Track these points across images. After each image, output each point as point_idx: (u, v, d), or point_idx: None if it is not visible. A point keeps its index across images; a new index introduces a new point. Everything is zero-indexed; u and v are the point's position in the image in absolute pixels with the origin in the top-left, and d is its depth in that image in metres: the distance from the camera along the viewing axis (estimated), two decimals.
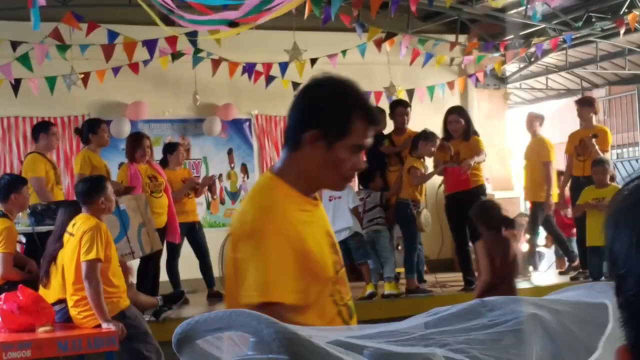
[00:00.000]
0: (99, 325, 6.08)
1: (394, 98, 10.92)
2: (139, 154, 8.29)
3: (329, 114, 2.32)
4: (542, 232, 14.68)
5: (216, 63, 10.04)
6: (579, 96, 14.74)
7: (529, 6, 8.31)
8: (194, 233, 8.84)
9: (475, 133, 8.97)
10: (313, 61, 10.24)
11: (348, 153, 2.32)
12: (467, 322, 1.94)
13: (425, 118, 11.47)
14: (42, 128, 8.22)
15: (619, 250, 0.79)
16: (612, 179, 8.89)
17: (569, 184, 9.47)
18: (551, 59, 13.46)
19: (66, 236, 6.25)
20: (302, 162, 2.35)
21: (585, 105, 9.28)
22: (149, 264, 8.18)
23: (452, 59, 11.63)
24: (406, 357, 1.67)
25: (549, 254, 13.78)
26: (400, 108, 9.39)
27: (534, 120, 10.08)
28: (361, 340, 1.72)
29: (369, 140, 2.38)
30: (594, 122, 9.32)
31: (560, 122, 14.96)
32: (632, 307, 0.78)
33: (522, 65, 13.36)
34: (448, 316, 2.03)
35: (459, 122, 8.77)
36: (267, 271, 2.23)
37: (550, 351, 1.85)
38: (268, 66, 10.31)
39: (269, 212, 2.31)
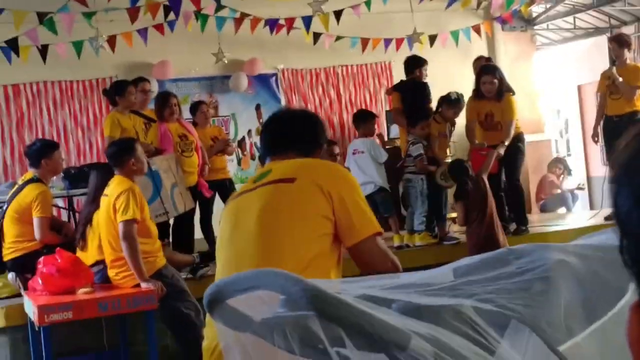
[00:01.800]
0: (138, 285, 6.18)
1: (414, 43, 10.77)
2: (167, 112, 8.32)
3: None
4: (576, 174, 14.63)
5: (239, 20, 10.00)
6: (608, 34, 14.52)
7: None
8: (225, 190, 8.87)
9: (509, 89, 8.81)
10: (337, 14, 10.15)
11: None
12: (495, 270, 1.96)
13: (451, 66, 11.42)
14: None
15: (622, 207, 0.79)
16: None
17: (601, 123, 9.32)
18: None
19: (102, 198, 6.33)
20: None
21: (622, 44, 9.09)
22: (183, 223, 8.26)
23: (479, 3, 11.45)
24: (434, 309, 1.69)
25: (582, 196, 13.73)
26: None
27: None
28: (389, 293, 1.74)
29: None
30: (628, 59, 9.15)
31: (590, 62, 14.76)
32: (636, 267, 0.78)
33: (548, 6, 13.14)
34: (477, 264, 2.05)
35: (492, 83, 8.55)
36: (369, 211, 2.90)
37: (579, 297, 1.86)
38: (291, 20, 10.26)
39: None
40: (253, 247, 2.80)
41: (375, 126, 9.10)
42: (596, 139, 9.33)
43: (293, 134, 3.13)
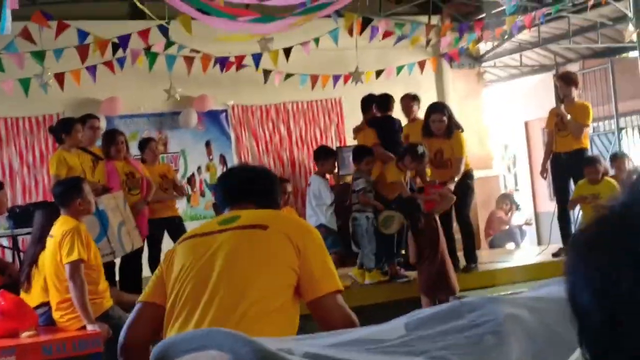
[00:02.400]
0: (83, 327, 6.05)
1: (361, 82, 10.84)
2: (114, 150, 8.25)
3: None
4: (524, 209, 14.80)
5: (189, 58, 9.96)
6: (554, 71, 14.79)
7: None
8: (174, 227, 8.80)
9: (458, 127, 8.89)
10: (287, 51, 10.18)
11: None
12: (446, 324, 1.94)
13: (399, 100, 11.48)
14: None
15: (579, 300, 0.76)
16: (605, 173, 8.88)
17: (550, 159, 9.42)
18: (524, 35, 13.47)
19: (48, 239, 6.21)
20: None
21: (569, 82, 9.24)
22: (130, 262, 8.14)
23: (428, 41, 11.60)
24: None
25: (530, 231, 13.89)
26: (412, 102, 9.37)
27: None
28: (339, 351, 1.71)
29: None
30: (575, 97, 9.29)
31: (536, 98, 15.01)
32: None
33: (495, 43, 13.36)
34: (428, 317, 2.03)
35: (442, 121, 8.65)
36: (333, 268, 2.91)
37: (530, 351, 1.85)
38: (240, 58, 10.26)
39: None
40: (217, 288, 2.76)
41: (335, 164, 9.16)
42: (544, 175, 9.45)
43: (254, 187, 3.18)
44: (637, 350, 0.71)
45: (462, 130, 8.92)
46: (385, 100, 9.43)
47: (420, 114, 9.49)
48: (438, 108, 8.88)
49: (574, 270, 0.76)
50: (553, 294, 2.02)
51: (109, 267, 7.43)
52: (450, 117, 8.76)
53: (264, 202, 3.13)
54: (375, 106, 9.45)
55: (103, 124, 10.13)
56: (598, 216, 0.79)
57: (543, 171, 9.48)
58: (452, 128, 8.71)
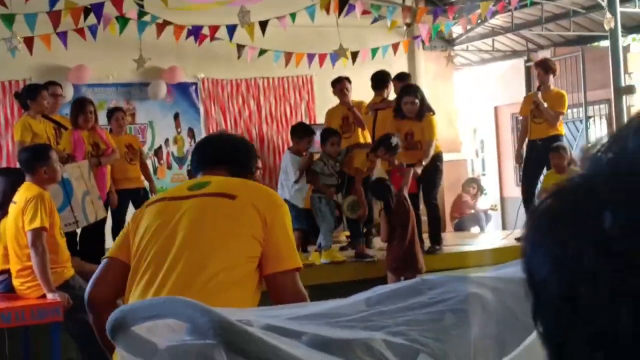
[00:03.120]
0: (43, 296, 5.99)
1: (338, 58, 10.83)
2: (82, 119, 8.14)
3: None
4: (490, 194, 14.89)
5: (161, 26, 9.86)
6: (525, 57, 14.85)
7: None
8: (138, 199, 8.73)
9: (429, 109, 8.90)
10: (263, 25, 10.11)
11: None
12: (407, 301, 1.94)
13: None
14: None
15: (536, 274, 0.74)
16: (571, 162, 8.91)
17: (525, 146, 9.46)
18: (497, 20, 13.50)
19: (10, 205, 6.12)
20: None
21: (547, 69, 9.27)
22: (92, 233, 8.07)
23: (407, 24, 11.60)
24: (345, 344, 1.65)
25: (496, 216, 13.98)
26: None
27: None
28: (300, 324, 1.70)
29: None
30: (552, 85, 9.34)
31: (507, 83, 15.07)
32: (553, 340, 0.74)
33: (468, 27, 13.37)
34: (389, 293, 2.02)
35: (414, 103, 8.66)
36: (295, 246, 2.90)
37: (491, 331, 1.85)
38: (214, 29, 10.17)
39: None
40: (180, 253, 2.75)
41: (309, 143, 8.95)
42: (520, 161, 9.51)
43: (228, 153, 3.18)
44: (593, 325, 0.69)
45: (434, 114, 8.94)
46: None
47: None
48: (410, 91, 8.88)
49: (533, 243, 0.74)
50: (514, 274, 2.02)
51: (71, 236, 7.36)
52: (423, 99, 8.78)
53: (237, 169, 3.12)
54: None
55: (70, 92, 10.02)
56: (558, 189, 0.76)
57: (518, 157, 9.55)
58: (424, 111, 8.73)
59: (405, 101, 8.70)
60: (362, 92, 10.29)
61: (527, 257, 0.74)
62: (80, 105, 8.27)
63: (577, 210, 0.72)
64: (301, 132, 9.13)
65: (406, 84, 9.42)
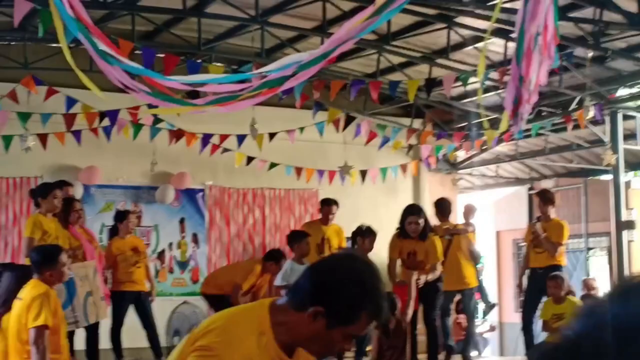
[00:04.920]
0: None
1: (349, 176, 11.11)
2: (74, 217, 8.25)
3: (340, 302, 2.31)
4: (489, 319, 14.83)
5: (174, 133, 10.11)
6: (528, 185, 15.06)
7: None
8: (140, 302, 8.76)
9: (432, 230, 9.04)
10: (271, 136, 10.37)
11: (342, 337, 2.35)
12: None
13: (377, 199, 11.69)
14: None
15: None
16: (569, 292, 8.96)
17: (526, 275, 9.56)
18: (502, 147, 13.78)
19: (15, 301, 6.15)
20: (297, 323, 2.33)
21: (546, 201, 9.40)
22: (91, 333, 8.07)
23: (410, 146, 11.87)
24: None
25: (493, 341, 13.88)
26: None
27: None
28: None
29: (366, 331, 2.43)
30: (552, 215, 9.44)
31: (509, 210, 15.24)
32: None
33: (473, 152, 13.64)
34: None
35: (418, 223, 8.76)
36: None
37: None
38: (224, 137, 10.44)
39: (236, 345, 2.30)
40: None
41: (308, 245, 9.10)
42: (521, 289, 9.57)
43: None
44: None
45: (435, 234, 9.05)
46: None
47: (390, 213, 9.67)
48: (415, 211, 8.99)
49: None
50: None
51: (70, 336, 7.35)
52: (426, 220, 8.88)
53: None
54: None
55: (80, 192, 10.17)
56: (554, 344, 0.86)
57: (520, 285, 9.61)
58: (427, 231, 8.82)
59: (409, 221, 8.79)
60: (366, 207, 10.47)
61: None
62: (70, 204, 8.37)
63: None
64: (298, 236, 9.20)
65: (410, 204, 9.57)
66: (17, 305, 6.07)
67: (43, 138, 9.44)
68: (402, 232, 8.85)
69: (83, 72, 9.41)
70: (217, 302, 9.15)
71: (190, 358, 2.32)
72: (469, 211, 10.70)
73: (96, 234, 9.32)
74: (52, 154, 9.78)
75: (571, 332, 0.85)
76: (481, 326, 13.74)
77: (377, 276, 2.37)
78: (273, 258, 9.43)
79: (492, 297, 15.76)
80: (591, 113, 10.24)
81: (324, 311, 2.29)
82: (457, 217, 13.78)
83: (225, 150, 10.46)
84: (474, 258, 10.02)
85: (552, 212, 9.38)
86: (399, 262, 8.92)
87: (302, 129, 10.54)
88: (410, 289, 7.98)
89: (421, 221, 8.75)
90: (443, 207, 10.01)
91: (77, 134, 9.50)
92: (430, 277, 8.60)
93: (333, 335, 2.32)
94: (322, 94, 9.83)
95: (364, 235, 8.83)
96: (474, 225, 10.48)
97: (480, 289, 10.20)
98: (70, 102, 9.15)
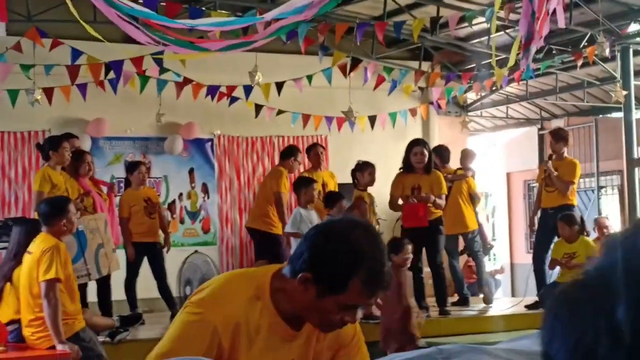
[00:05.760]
0: (53, 347, 6.01)
1: (354, 122, 11.04)
2: (84, 169, 8.25)
3: (327, 268, 2.21)
4: (500, 259, 14.85)
5: (180, 84, 10.03)
6: (538, 125, 14.96)
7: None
8: (153, 253, 8.79)
9: (437, 167, 9.04)
10: (279, 85, 10.27)
11: (337, 308, 2.22)
12: None
13: (386, 145, 11.63)
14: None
15: (554, 358, 0.78)
16: (582, 231, 8.88)
17: (538, 214, 9.55)
18: (512, 88, 13.64)
19: (25, 255, 6.17)
20: (294, 291, 2.25)
21: (559, 138, 9.33)
22: (102, 283, 8.12)
23: (420, 88, 11.76)
24: None
25: (505, 282, 13.92)
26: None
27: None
28: None
29: (367, 301, 2.30)
30: (566, 154, 9.39)
31: (520, 151, 15.16)
32: None
33: (483, 94, 13.51)
34: None
35: (423, 154, 8.76)
36: (168, 344, 2.26)
37: None
38: (231, 88, 10.34)
39: (222, 305, 2.26)
40: None
41: (313, 193, 8.86)
42: (533, 229, 9.58)
43: None
44: None
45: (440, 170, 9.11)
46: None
47: (400, 158, 9.63)
48: (420, 142, 9.02)
49: (551, 332, 0.79)
50: (528, 347, 2.05)
51: (82, 288, 7.39)
52: (430, 154, 8.89)
53: None
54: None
55: (88, 145, 10.15)
56: (575, 280, 0.82)
57: (532, 225, 9.62)
58: (432, 165, 8.82)
59: (415, 151, 8.75)
60: (375, 153, 10.43)
61: (546, 342, 0.79)
62: (80, 156, 8.36)
63: (593, 303, 0.77)
64: (305, 182, 9.00)
65: (415, 138, 9.56)
66: (27, 259, 6.09)
67: (49, 92, 9.38)
68: (406, 167, 8.82)
69: (87, 22, 9.38)
70: (261, 239, 9.43)
71: (180, 313, 2.31)
72: (467, 156, 10.68)
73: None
74: (59, 107, 9.74)
75: (593, 267, 0.81)
76: (491, 267, 13.77)
77: (376, 244, 2.25)
78: (288, 155, 9.68)
79: (491, 239, 15.83)
80: (607, 50, 10.08)
81: (312, 278, 2.20)
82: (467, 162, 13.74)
83: (233, 100, 10.37)
84: (474, 202, 10.09)
85: (565, 151, 9.32)
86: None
87: (310, 77, 10.43)
88: (403, 288, 7.39)
89: (426, 152, 8.74)
90: (442, 154, 9.97)
91: (82, 88, 9.42)
92: (437, 204, 8.59)
93: (326, 305, 2.22)
94: (328, 39, 9.70)
95: (362, 169, 8.87)
96: (473, 170, 10.47)
97: (480, 231, 10.27)
98: (75, 54, 9.07)
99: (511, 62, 7.67)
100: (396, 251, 7.20)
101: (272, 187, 9.47)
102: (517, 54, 7.70)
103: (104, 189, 8.87)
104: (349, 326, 2.39)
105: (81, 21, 7.20)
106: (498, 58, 11.43)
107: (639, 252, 0.77)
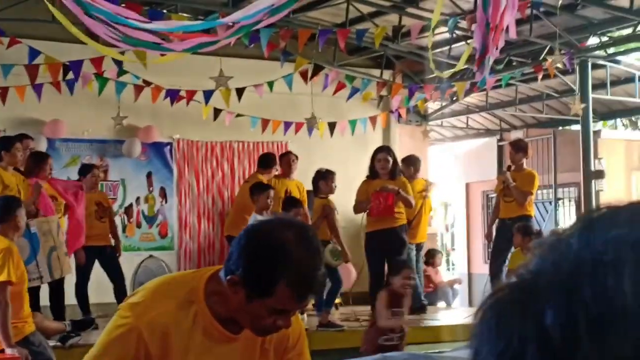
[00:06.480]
0: (2, 351, 5.88)
1: (315, 129, 11.03)
2: (43, 172, 8.11)
3: (253, 270, 2.12)
4: (458, 269, 14.92)
5: (139, 87, 9.92)
6: (498, 137, 15.07)
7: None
8: (104, 257, 8.68)
9: (402, 173, 9.11)
10: (239, 91, 10.22)
11: (267, 312, 2.12)
12: None
13: (347, 152, 11.62)
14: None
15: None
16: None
17: (496, 224, 9.61)
18: (472, 98, 13.73)
19: None
20: (226, 294, 2.18)
21: (518, 149, 9.41)
22: (54, 288, 7.99)
23: (380, 97, 11.78)
24: None
25: (462, 292, 13.97)
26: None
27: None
28: None
29: (297, 306, 2.18)
30: (525, 165, 9.46)
31: (479, 161, 15.25)
32: None
33: (443, 104, 13.58)
34: None
35: (387, 160, 8.83)
36: (96, 351, 2.24)
37: None
38: (191, 93, 10.26)
39: (150, 309, 2.20)
40: None
41: (268, 199, 8.63)
42: (490, 238, 9.63)
43: None
44: None
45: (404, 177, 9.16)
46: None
47: (360, 166, 9.63)
48: (384, 149, 9.15)
49: (481, 336, 0.76)
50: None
51: (34, 291, 7.27)
52: (395, 161, 8.93)
53: None
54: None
55: (44, 146, 10.00)
56: (507, 283, 0.79)
57: (489, 235, 9.68)
58: (397, 172, 8.86)
59: (378, 158, 8.85)
60: (336, 160, 10.43)
61: (475, 347, 0.76)
62: (42, 158, 8.23)
63: (522, 307, 0.75)
64: (260, 188, 8.75)
65: (380, 146, 9.61)
66: None
67: (4, 91, 9.22)
68: (371, 174, 8.89)
69: (46, 22, 9.25)
70: None
71: (113, 317, 2.26)
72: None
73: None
74: (14, 107, 9.58)
75: (526, 271, 0.78)
76: (448, 277, 13.82)
77: (309, 246, 2.13)
78: (263, 164, 9.88)
79: (450, 248, 15.93)
80: (562, 62, 10.18)
81: (240, 280, 2.12)
82: (427, 170, 13.79)
83: (192, 100, 10.30)
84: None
85: (524, 162, 9.40)
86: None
87: (270, 84, 10.38)
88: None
89: (390, 159, 8.79)
90: (414, 163, 10.21)
91: (38, 88, 9.27)
92: (404, 195, 8.61)
93: (255, 309, 2.13)
94: (290, 45, 9.67)
95: (326, 177, 8.87)
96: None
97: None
98: (33, 53, 8.94)
99: (459, 67, 7.70)
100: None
101: (246, 196, 9.33)
102: (471, 67, 7.77)
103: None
104: (295, 329, 2.35)
105: (67, 23, 7.15)
106: (460, 69, 11.51)
107: (571, 254, 0.75)
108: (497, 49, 5.94)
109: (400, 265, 7.08)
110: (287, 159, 10.02)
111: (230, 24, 7.64)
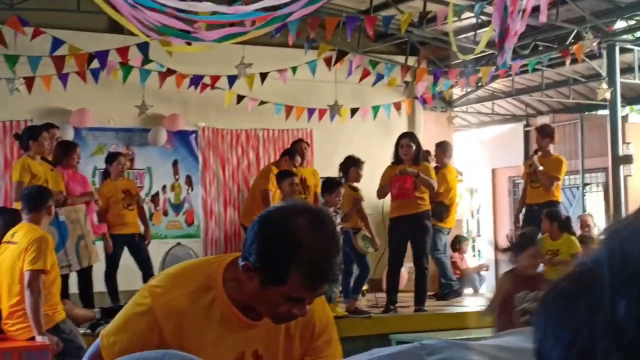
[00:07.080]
0: (32, 338, 5.94)
1: (338, 115, 11.01)
2: (72, 161, 8.18)
3: (267, 258, 2.08)
4: (485, 255, 14.85)
5: (164, 75, 9.94)
6: (524, 122, 14.96)
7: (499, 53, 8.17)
8: (134, 245, 8.72)
9: (426, 159, 9.05)
10: (263, 76, 10.22)
11: (281, 299, 2.08)
12: None
13: (372, 139, 11.59)
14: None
15: (548, 355, 0.74)
16: (565, 228, 8.79)
17: (523, 211, 9.55)
18: (498, 84, 13.63)
19: (6, 245, 6.10)
20: (242, 281, 2.15)
21: (545, 134, 9.33)
22: (82, 276, 8.05)
23: (406, 83, 11.73)
24: None
25: (489, 278, 13.90)
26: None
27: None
28: None
29: (311, 295, 2.12)
30: (552, 151, 9.37)
31: (505, 147, 15.16)
32: None
33: (469, 89, 13.49)
34: (386, 358, 2.00)
35: (410, 146, 8.76)
36: (114, 326, 2.25)
37: None
38: (215, 78, 10.27)
39: (167, 293, 2.19)
40: None
41: (338, 198, 8.35)
42: (517, 224, 9.55)
43: None
44: None
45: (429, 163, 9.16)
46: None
47: (385, 153, 9.59)
48: (407, 135, 9.05)
49: (545, 327, 0.75)
50: (516, 344, 2.01)
51: (63, 279, 7.32)
52: (419, 147, 8.86)
53: None
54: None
55: (71, 135, 10.05)
56: (568, 274, 0.77)
57: (516, 221, 9.61)
58: (420, 158, 8.79)
59: (402, 144, 8.79)
60: (360, 147, 10.39)
61: (539, 339, 0.75)
62: (71, 148, 8.29)
63: (588, 297, 0.73)
64: (333, 185, 8.55)
65: (403, 132, 9.55)
66: (11, 249, 6.02)
67: (30, 82, 9.27)
68: (396, 159, 8.85)
69: (70, 12, 9.29)
70: None
71: (135, 295, 2.28)
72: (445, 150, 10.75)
73: (89, 177, 9.26)
74: (40, 97, 9.63)
75: (589, 260, 0.76)
76: (476, 263, 13.77)
77: (322, 233, 2.08)
78: (285, 154, 9.80)
79: (476, 234, 15.85)
80: (592, 46, 10.07)
81: (254, 267, 2.09)
82: (455, 156, 13.73)
83: (215, 88, 10.32)
84: None
85: (551, 148, 9.31)
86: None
87: (294, 69, 10.38)
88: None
89: (413, 144, 8.74)
90: (446, 149, 10.32)
91: (64, 78, 9.31)
92: (424, 177, 8.55)
93: (270, 296, 2.09)
94: (317, 33, 9.65)
95: (357, 164, 8.86)
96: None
97: None
98: (57, 43, 8.97)
99: (479, 49, 7.64)
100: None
101: (259, 185, 9.55)
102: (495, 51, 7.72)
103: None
104: (322, 316, 2.33)
105: (114, 15, 7.19)
106: (485, 53, 11.43)
107: (638, 243, 0.72)
108: (516, 35, 5.85)
109: (525, 242, 5.73)
110: (299, 147, 10.05)
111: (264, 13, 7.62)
